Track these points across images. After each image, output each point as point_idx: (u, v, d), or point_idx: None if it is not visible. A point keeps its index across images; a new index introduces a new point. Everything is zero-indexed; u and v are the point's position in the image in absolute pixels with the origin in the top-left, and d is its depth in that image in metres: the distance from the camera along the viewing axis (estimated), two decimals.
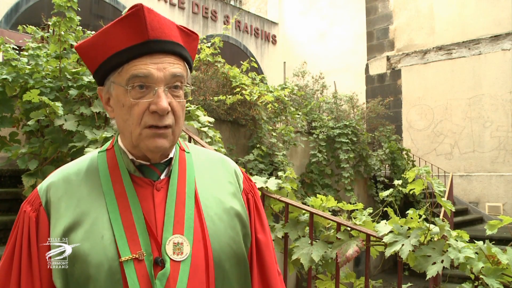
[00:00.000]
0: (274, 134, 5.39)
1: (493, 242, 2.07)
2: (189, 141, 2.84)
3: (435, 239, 1.94)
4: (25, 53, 3.21)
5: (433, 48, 9.87)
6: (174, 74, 0.81)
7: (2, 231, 2.96)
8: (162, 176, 0.86)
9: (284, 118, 5.92)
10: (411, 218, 2.03)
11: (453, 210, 2.11)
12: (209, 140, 3.16)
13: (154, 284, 0.75)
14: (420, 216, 2.04)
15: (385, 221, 2.14)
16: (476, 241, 1.92)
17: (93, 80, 2.92)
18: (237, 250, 0.85)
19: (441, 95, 9.66)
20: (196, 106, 3.40)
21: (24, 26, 3.73)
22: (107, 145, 0.91)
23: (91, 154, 0.91)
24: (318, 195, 2.49)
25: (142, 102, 0.79)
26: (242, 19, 12.86)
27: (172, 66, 0.81)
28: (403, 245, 1.91)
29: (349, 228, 2.17)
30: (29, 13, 8.70)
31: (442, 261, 1.81)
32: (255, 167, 4.90)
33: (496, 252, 1.79)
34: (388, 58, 10.66)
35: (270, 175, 4.94)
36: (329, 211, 2.46)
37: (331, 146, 6.71)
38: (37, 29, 3.69)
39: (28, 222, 0.81)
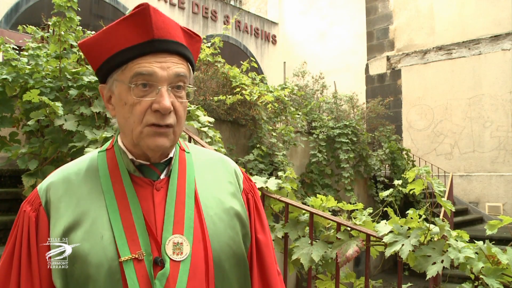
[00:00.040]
0: (274, 134, 5.38)
1: (493, 242, 2.06)
2: (189, 141, 2.84)
3: (435, 239, 1.94)
4: (25, 53, 3.20)
5: (433, 48, 9.87)
6: (177, 73, 0.81)
7: (2, 231, 2.96)
8: (162, 176, 0.86)
9: (284, 118, 5.91)
10: (411, 218, 2.03)
11: (453, 210, 2.11)
12: (209, 140, 3.16)
13: (153, 284, 0.75)
14: (420, 216, 2.04)
15: (385, 221, 2.14)
16: (476, 241, 1.92)
17: (93, 80, 2.91)
18: (236, 250, 0.85)
19: (441, 95, 9.66)
20: (196, 106, 3.39)
21: (24, 26, 3.73)
22: (107, 145, 0.91)
23: (91, 154, 0.91)
24: (318, 195, 2.48)
25: (144, 101, 0.79)
26: (242, 19, 12.86)
27: (175, 65, 0.81)
28: (403, 245, 1.91)
29: (349, 228, 2.17)
30: (29, 13, 8.69)
31: (442, 261, 1.81)
32: (255, 167, 4.90)
33: (496, 252, 1.79)
34: (388, 58, 10.65)
35: (270, 175, 4.94)
36: (329, 211, 2.45)
37: (331, 146, 6.70)
38: (37, 29, 3.68)
39: (28, 222, 0.81)
